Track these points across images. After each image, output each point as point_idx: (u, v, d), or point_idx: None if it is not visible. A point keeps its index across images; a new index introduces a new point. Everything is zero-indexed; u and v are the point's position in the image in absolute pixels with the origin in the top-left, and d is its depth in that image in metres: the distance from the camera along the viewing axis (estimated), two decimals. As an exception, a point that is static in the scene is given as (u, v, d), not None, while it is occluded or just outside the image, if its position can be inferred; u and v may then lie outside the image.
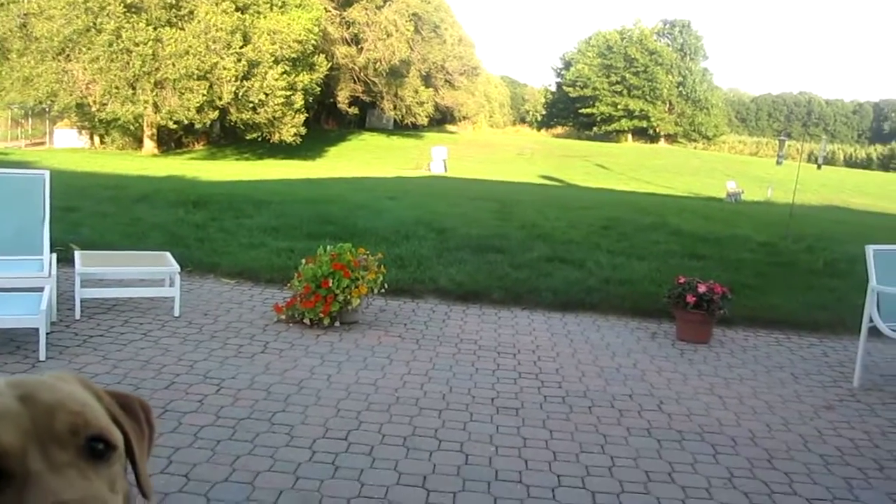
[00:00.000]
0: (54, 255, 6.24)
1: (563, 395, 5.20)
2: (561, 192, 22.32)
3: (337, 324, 6.35)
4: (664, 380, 5.68)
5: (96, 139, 35.03)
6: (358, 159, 35.52)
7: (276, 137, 34.60)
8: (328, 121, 49.43)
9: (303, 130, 35.12)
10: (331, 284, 6.14)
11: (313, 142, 37.68)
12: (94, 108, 30.67)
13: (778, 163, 25.37)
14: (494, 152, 42.88)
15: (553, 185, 27.99)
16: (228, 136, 38.29)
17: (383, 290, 6.74)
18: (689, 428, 4.79)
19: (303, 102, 35.04)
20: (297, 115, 34.59)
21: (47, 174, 6.50)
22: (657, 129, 65.58)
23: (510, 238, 10.39)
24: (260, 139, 35.40)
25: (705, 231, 12.20)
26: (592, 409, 5.00)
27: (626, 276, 8.54)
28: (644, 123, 65.17)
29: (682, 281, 6.82)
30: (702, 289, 6.62)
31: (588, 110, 66.61)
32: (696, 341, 6.71)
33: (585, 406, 5.03)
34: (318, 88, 37.48)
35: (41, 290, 5.61)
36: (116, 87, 30.06)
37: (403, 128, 49.10)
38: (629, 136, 66.03)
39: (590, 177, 34.07)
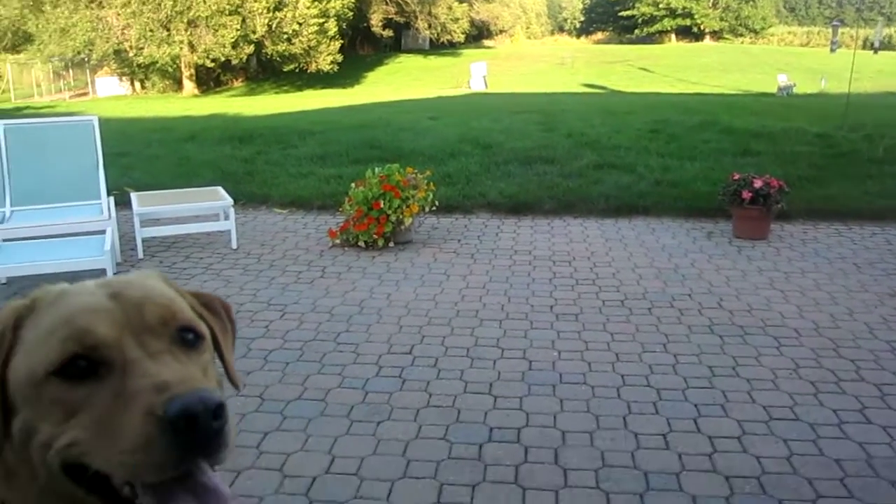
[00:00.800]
0: (111, 199, 6.39)
1: (621, 299, 5.20)
2: (605, 98, 21.83)
3: (391, 244, 6.41)
4: (723, 277, 5.63)
5: (137, 85, 35.25)
6: (396, 82, 35.16)
7: (312, 67, 34.34)
8: (363, 46, 48.81)
9: (339, 58, 34.76)
10: (382, 206, 6.18)
11: (350, 68, 37.35)
12: (131, 54, 30.74)
13: (831, 51, 24.40)
14: (534, 64, 41.99)
15: (596, 92, 27.38)
16: (266, 70, 38.14)
17: (434, 208, 6.76)
18: (750, 323, 4.77)
19: (336, 29, 34.56)
20: (331, 43, 34.19)
21: (95, 119, 6.60)
22: (701, 27, 63.20)
23: (557, 148, 10.26)
24: (297, 70, 35.19)
25: (757, 127, 11.85)
26: (652, 310, 5.00)
27: (677, 178, 8.40)
28: (687, 21, 62.82)
29: (736, 177, 6.68)
30: (757, 184, 6.48)
31: (628, 12, 64.39)
32: (753, 238, 6.61)
33: (645, 308, 5.04)
34: (351, 13, 36.88)
35: (103, 232, 5.76)
36: (151, 30, 30.03)
37: (440, 47, 48.21)
38: (672, 36, 63.85)
39: (633, 81, 33.21)
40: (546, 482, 3.07)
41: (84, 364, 0.98)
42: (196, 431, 0.92)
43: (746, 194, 6.47)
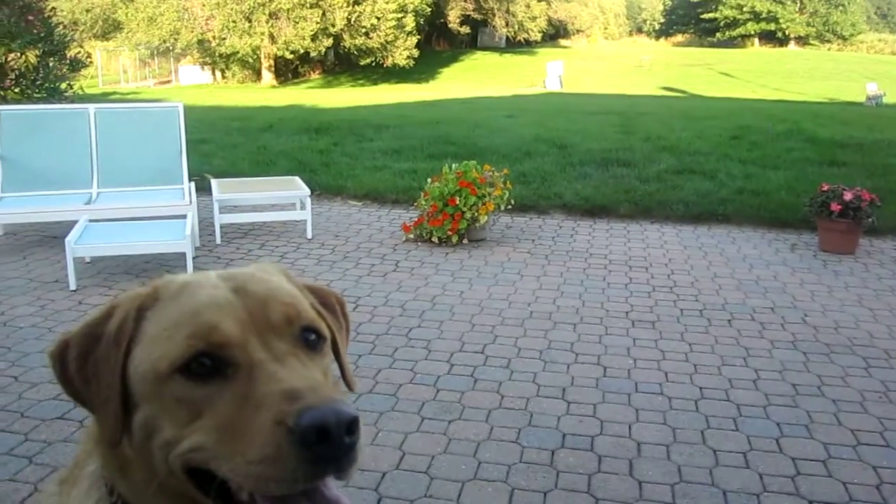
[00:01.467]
0: (192, 184, 6.52)
1: (700, 308, 5.05)
2: (684, 102, 21.36)
3: (465, 241, 6.37)
4: (807, 292, 5.42)
5: (218, 74, 36.04)
6: (471, 79, 35.09)
7: (389, 62, 34.56)
8: (440, 42, 48.90)
9: (415, 53, 34.90)
10: (458, 202, 6.14)
11: (426, 64, 37.44)
12: (214, 44, 31.47)
13: (926, 60, 23.33)
14: (611, 65, 41.39)
15: (675, 95, 26.83)
16: (343, 63, 38.54)
17: (509, 207, 6.69)
18: (836, 341, 4.57)
19: (414, 24, 34.70)
20: (408, 38, 34.35)
21: (181, 106, 6.75)
22: (786, 32, 61.30)
23: (635, 151, 10.07)
24: (373, 64, 35.46)
25: (844, 136, 11.42)
26: (732, 321, 4.84)
27: (760, 187, 8.14)
28: (772, 26, 60.98)
29: (825, 188, 6.43)
30: (848, 196, 6.22)
31: (710, 15, 62.85)
32: (840, 252, 6.35)
33: (724, 319, 4.88)
34: (429, 9, 36.97)
35: (184, 217, 5.88)
36: (233, 21, 30.66)
37: (516, 45, 47.94)
38: (755, 40, 62.11)
39: (714, 86, 32.40)
40: (620, 494, 2.98)
41: (209, 362, 0.96)
42: (328, 446, 0.89)
43: (835, 206, 6.22)
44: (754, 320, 4.86)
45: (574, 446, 3.33)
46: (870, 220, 6.34)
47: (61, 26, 10.66)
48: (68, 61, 9.67)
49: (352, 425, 0.90)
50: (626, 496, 2.97)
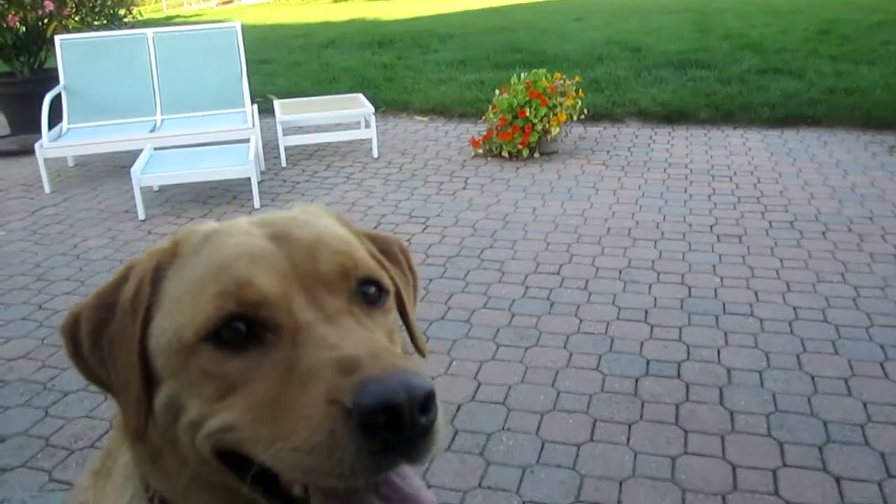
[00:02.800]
0: (255, 107, 6.38)
1: (790, 220, 4.72)
2: (765, -4, 20.07)
3: (536, 154, 6.10)
4: (910, 198, 5.02)
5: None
6: (537, -17, 33.76)
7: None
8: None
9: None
10: (528, 114, 5.85)
11: (489, -31, 36.15)
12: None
13: None
14: (685, -40, 39.23)
15: (754, -11, 25.26)
16: (404, -29, 37.61)
17: (582, 116, 6.36)
18: (945, 251, 4.21)
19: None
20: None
21: (238, 25, 6.56)
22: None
23: (714, 51, 9.47)
24: (435, -29, 34.50)
25: (947, 25, 10.51)
26: (826, 233, 4.51)
27: (853, 85, 7.54)
28: None
29: (929, 83, 5.89)
30: (956, 90, 5.68)
31: None
32: (945, 152, 5.86)
33: (818, 231, 4.55)
34: None
35: (247, 141, 5.77)
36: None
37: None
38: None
39: (796, -24, 30.39)
40: (711, 425, 2.80)
41: (243, 327, 0.77)
42: (397, 430, 0.70)
43: (941, 103, 5.69)
44: (851, 232, 4.51)
45: (659, 373, 3.14)
46: (980, 116, 5.81)
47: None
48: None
49: (427, 402, 0.71)
50: (716, 428, 2.79)
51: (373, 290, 0.86)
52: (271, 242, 0.84)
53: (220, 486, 0.84)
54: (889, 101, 6.87)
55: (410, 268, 1.04)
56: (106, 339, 0.85)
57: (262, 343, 0.78)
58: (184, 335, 0.79)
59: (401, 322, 1.01)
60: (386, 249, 1.00)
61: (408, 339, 1.05)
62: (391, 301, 0.91)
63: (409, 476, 0.82)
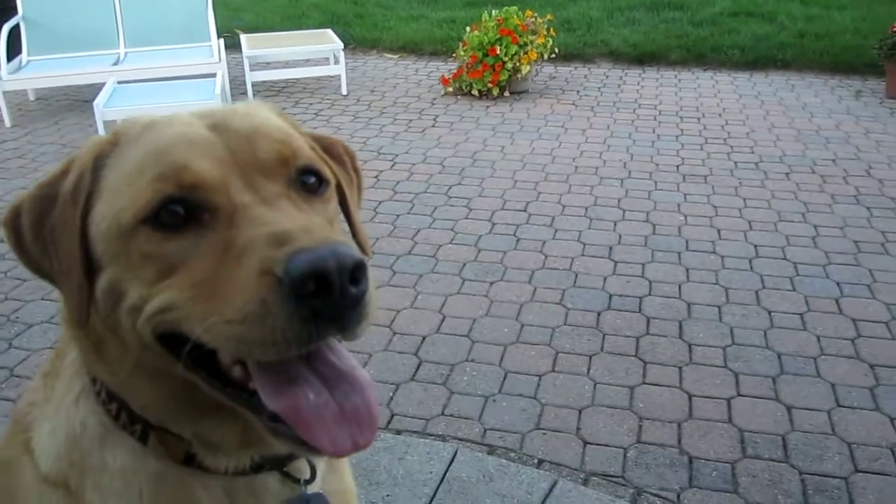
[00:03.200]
0: (221, 41, 6.24)
1: (755, 161, 4.77)
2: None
3: (506, 93, 6.07)
4: (872, 142, 5.08)
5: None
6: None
7: None
8: None
9: None
10: (498, 52, 5.80)
11: None
12: None
13: None
14: None
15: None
16: None
17: (553, 56, 6.32)
18: (904, 193, 4.29)
19: None
20: None
21: (204, -45, 6.36)
22: None
23: (688, -8, 9.39)
24: None
25: (919, -30, 10.50)
26: (790, 175, 4.57)
27: (823, 29, 7.54)
28: None
29: (897, 28, 5.92)
30: (923, 35, 5.72)
31: None
32: (910, 97, 5.92)
33: (782, 172, 4.61)
34: None
35: (213, 76, 5.66)
36: None
37: None
38: None
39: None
40: (669, 357, 2.87)
41: (181, 210, 0.79)
42: (327, 297, 0.71)
43: (908, 48, 5.73)
44: (814, 173, 4.58)
45: (621, 308, 3.20)
46: (945, 61, 5.86)
47: None
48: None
49: (356, 271, 0.72)
50: (675, 359, 2.86)
51: (312, 179, 0.88)
52: (211, 131, 0.85)
53: (162, 372, 0.85)
54: (857, 46, 6.89)
55: (355, 168, 1.06)
56: (48, 229, 0.86)
57: (200, 224, 0.79)
58: (123, 219, 0.80)
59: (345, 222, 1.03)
60: (329, 149, 1.02)
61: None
62: (331, 192, 0.92)
63: (344, 355, 0.84)
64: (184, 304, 0.77)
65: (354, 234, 1.03)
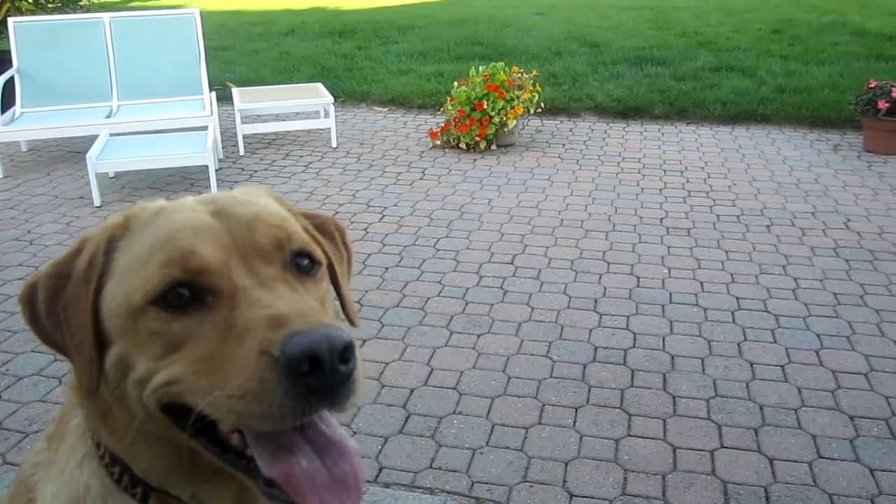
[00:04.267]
0: (213, 94, 6.36)
1: (737, 214, 4.88)
2: (721, -5, 20.40)
3: (493, 147, 6.19)
4: (850, 195, 5.20)
5: (239, -25, 35.18)
6: (499, -24, 33.86)
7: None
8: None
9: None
10: (485, 106, 5.93)
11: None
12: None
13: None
14: (645, -43, 39.65)
15: (712, -12, 25.65)
16: (366, -39, 37.45)
17: (539, 110, 6.47)
18: (881, 247, 4.39)
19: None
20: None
21: (197, 12, 6.53)
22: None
23: (670, 48, 9.65)
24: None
25: (894, 28, 10.83)
26: (771, 227, 4.67)
27: (802, 84, 7.76)
28: None
29: (872, 85, 6.10)
30: (896, 92, 5.90)
31: None
32: (886, 152, 6.07)
33: (763, 225, 4.71)
34: None
35: (205, 128, 5.75)
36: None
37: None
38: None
39: (753, -24, 30.93)
40: (654, 409, 2.92)
41: (187, 292, 0.86)
42: (319, 375, 0.79)
43: (883, 104, 5.90)
44: (794, 226, 4.69)
45: (606, 360, 3.26)
46: (919, 117, 6.03)
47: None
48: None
49: (346, 352, 0.80)
50: (659, 411, 2.90)
51: (306, 261, 0.96)
52: (214, 218, 0.93)
53: (164, 439, 0.92)
54: (835, 100, 7.08)
55: (345, 243, 1.13)
56: (61, 305, 0.93)
57: (204, 305, 0.86)
58: (133, 299, 0.87)
59: (335, 295, 1.09)
60: (322, 227, 1.10)
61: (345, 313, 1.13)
62: (323, 272, 1.00)
63: (335, 425, 0.92)
64: (188, 378, 0.84)
65: (343, 305, 1.11)
